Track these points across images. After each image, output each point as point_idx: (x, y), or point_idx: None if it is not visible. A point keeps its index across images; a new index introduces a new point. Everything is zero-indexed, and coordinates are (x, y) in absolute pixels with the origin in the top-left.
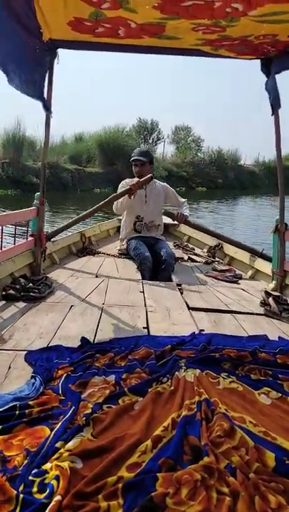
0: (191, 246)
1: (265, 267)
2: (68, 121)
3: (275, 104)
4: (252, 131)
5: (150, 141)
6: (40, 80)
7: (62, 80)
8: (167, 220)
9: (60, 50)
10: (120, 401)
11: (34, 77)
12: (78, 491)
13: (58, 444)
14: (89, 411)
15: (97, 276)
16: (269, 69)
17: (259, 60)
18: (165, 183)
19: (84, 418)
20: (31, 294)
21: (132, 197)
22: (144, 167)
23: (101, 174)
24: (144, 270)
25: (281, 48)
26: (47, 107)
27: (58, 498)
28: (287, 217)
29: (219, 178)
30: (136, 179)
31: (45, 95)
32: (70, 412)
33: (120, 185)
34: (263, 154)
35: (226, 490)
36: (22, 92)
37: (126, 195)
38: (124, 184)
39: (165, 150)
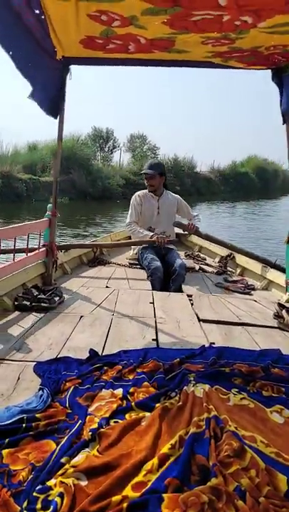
0: (202, 256)
1: (279, 277)
2: (23, 128)
3: (288, 114)
4: (206, 139)
5: (106, 149)
6: (55, 96)
7: (16, 85)
8: (178, 230)
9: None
10: (127, 416)
11: (50, 94)
12: (82, 510)
13: (63, 460)
14: (95, 426)
15: (107, 287)
16: (280, 79)
17: (270, 70)
18: (178, 196)
19: (90, 433)
20: (42, 304)
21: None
22: (154, 180)
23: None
24: (154, 281)
25: None
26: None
27: None
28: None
29: (176, 185)
30: (144, 191)
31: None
32: (77, 426)
33: (133, 200)
34: (218, 161)
35: None
36: (42, 108)
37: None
38: (138, 199)
39: (122, 158)
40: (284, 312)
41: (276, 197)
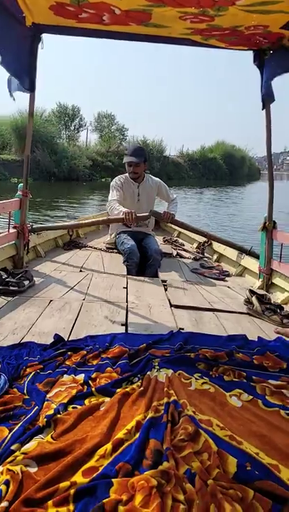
0: (180, 241)
1: (253, 264)
2: None
3: (268, 98)
4: (175, 122)
5: (72, 128)
6: (26, 65)
7: None
8: None
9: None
10: (87, 401)
11: (24, 64)
12: (27, 497)
13: (13, 447)
14: (51, 412)
15: (81, 271)
16: (262, 62)
17: (252, 52)
18: (158, 179)
19: (45, 419)
20: (10, 287)
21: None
22: (139, 167)
23: (18, 162)
24: (130, 265)
25: (274, 39)
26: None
27: (4, 504)
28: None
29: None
30: (124, 176)
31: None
32: (32, 412)
33: (114, 183)
34: (187, 146)
35: (181, 497)
36: (11, 74)
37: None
38: (119, 183)
39: (88, 138)
40: (254, 298)
41: (243, 184)
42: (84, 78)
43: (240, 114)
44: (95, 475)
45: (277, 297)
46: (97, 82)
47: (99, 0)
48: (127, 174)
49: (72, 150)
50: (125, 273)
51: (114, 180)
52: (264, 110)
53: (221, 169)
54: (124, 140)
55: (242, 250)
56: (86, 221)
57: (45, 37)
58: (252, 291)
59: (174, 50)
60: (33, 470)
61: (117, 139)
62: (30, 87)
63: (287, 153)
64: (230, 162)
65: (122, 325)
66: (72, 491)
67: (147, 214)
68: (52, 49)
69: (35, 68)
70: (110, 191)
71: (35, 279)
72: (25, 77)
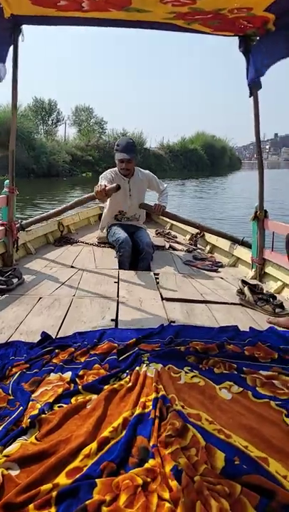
0: (173, 234)
1: (246, 254)
2: None
3: (254, 86)
4: (155, 114)
5: (49, 122)
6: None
7: None
8: None
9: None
10: (73, 400)
11: (3, 57)
12: (7, 502)
13: None
14: (36, 412)
15: (72, 267)
16: (247, 48)
17: (237, 38)
18: (147, 171)
19: (29, 420)
20: None
21: (106, 199)
22: (131, 163)
23: None
24: (123, 256)
25: (258, 24)
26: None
27: None
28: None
29: None
30: (114, 171)
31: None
32: (16, 413)
33: (103, 175)
34: (167, 137)
35: (167, 495)
36: None
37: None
38: (109, 177)
39: (67, 133)
40: (246, 289)
41: (224, 174)
42: (61, 71)
43: (220, 105)
44: (78, 476)
45: (270, 286)
46: (73, 74)
47: None
48: (116, 169)
49: (50, 145)
50: (117, 267)
51: (104, 173)
52: (251, 98)
53: (202, 160)
54: (103, 133)
55: (234, 240)
56: (66, 205)
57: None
58: (244, 282)
59: (154, 40)
60: (14, 473)
61: (96, 132)
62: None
63: (266, 142)
64: (211, 153)
65: (112, 320)
66: (54, 494)
67: (116, 185)
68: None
69: (16, 61)
70: (100, 181)
71: (24, 276)
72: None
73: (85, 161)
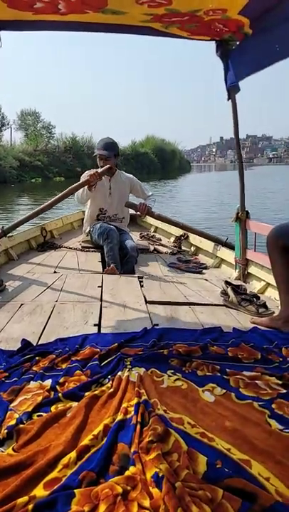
0: (157, 236)
1: (229, 255)
2: None
3: (233, 89)
4: (106, 118)
5: None
6: None
7: None
8: (132, 211)
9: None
10: (53, 408)
11: None
12: None
13: None
14: (13, 422)
15: (55, 272)
16: (225, 53)
17: (214, 43)
18: (131, 175)
19: (5, 431)
20: None
21: (93, 188)
22: (110, 161)
23: None
24: (111, 243)
25: (234, 28)
26: None
27: None
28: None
29: (77, 167)
30: (94, 171)
31: None
32: None
33: (82, 176)
34: (118, 141)
35: (147, 503)
36: None
37: (86, 187)
38: (86, 175)
39: (13, 137)
40: (229, 290)
41: (175, 177)
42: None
43: (169, 108)
44: (56, 487)
45: (253, 287)
46: (18, 77)
47: None
48: (98, 169)
49: None
50: (101, 271)
51: (84, 173)
52: (229, 101)
53: (153, 163)
54: (51, 138)
55: (218, 242)
56: (52, 199)
57: None
58: (227, 283)
59: (104, 41)
60: None
61: (44, 137)
62: None
63: (212, 145)
64: (161, 156)
65: (95, 325)
66: (30, 507)
67: (107, 167)
68: None
69: None
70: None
71: (6, 283)
72: None
73: (33, 166)
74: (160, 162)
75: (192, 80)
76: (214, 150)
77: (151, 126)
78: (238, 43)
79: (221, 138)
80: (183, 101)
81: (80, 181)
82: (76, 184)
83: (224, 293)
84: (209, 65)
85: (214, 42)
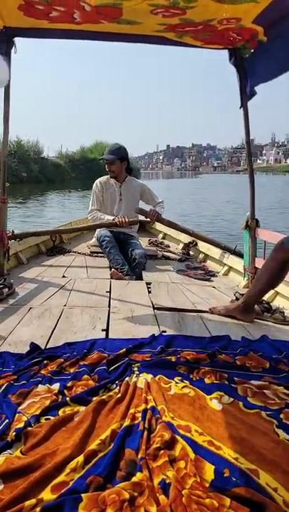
0: (166, 243)
1: (238, 263)
2: None
3: (248, 96)
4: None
5: None
6: None
7: None
8: (142, 217)
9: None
10: (60, 412)
11: None
12: None
13: None
14: (22, 425)
15: (64, 276)
16: (240, 60)
17: (227, 51)
18: (142, 182)
19: (14, 433)
20: None
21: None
22: (114, 165)
23: None
24: (106, 247)
25: (247, 36)
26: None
27: None
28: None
29: (23, 172)
30: (106, 177)
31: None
32: (1, 426)
33: (94, 187)
34: (66, 146)
35: (154, 510)
36: None
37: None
38: (99, 186)
39: None
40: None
41: None
42: None
43: (117, 114)
44: (63, 490)
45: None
46: None
47: None
48: (108, 176)
49: None
50: (109, 277)
51: (94, 183)
52: (241, 108)
53: (103, 170)
54: (116, 143)
55: (227, 249)
56: (74, 227)
57: None
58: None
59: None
60: None
61: None
62: None
63: (160, 153)
64: None
65: (103, 330)
66: (38, 509)
67: (137, 219)
68: None
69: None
70: (91, 197)
71: (15, 286)
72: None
73: None
74: None
75: (139, 86)
76: (161, 158)
77: (98, 132)
78: (252, 50)
79: (168, 146)
80: (132, 108)
81: (110, 222)
82: (105, 222)
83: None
84: (156, 70)
85: (227, 50)
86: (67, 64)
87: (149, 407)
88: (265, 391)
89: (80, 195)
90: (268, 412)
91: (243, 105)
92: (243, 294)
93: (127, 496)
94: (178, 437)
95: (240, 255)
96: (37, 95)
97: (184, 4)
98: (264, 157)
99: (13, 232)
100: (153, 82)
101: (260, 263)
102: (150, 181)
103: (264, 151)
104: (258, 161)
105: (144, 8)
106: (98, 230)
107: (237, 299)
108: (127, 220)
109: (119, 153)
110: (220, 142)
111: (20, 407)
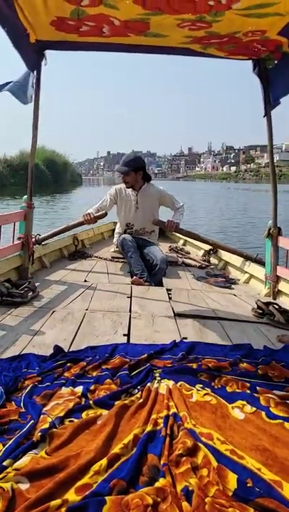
0: (186, 250)
1: (259, 272)
2: None
3: (272, 105)
4: None
5: None
6: (25, 82)
7: None
8: None
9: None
10: (84, 414)
11: (24, 80)
12: None
13: (5, 463)
14: (47, 426)
15: (86, 281)
16: (264, 71)
17: (251, 61)
18: (160, 187)
19: (39, 434)
20: (14, 298)
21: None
22: (128, 176)
23: None
24: (128, 252)
25: (272, 47)
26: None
27: None
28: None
29: None
30: (123, 185)
31: (33, 96)
32: (27, 426)
33: (110, 190)
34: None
35: None
36: (13, 95)
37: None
38: (113, 192)
39: None
40: (271, 308)
41: (68, 190)
42: None
43: (58, 119)
44: (87, 492)
45: (285, 304)
46: None
47: (98, 12)
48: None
49: None
50: (130, 283)
51: (113, 188)
52: (265, 117)
53: (44, 176)
54: (132, 153)
55: (248, 258)
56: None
57: None
58: (266, 303)
59: None
60: (24, 487)
61: None
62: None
63: (100, 159)
64: (53, 168)
65: (125, 335)
66: (63, 510)
67: (104, 212)
68: None
69: (38, 84)
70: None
71: (39, 289)
72: (25, 92)
73: None
74: (52, 174)
75: (81, 90)
76: (102, 164)
77: (40, 136)
78: (276, 61)
79: (108, 152)
80: (70, 113)
81: (78, 220)
82: (73, 223)
83: (261, 312)
84: (101, 76)
85: (251, 61)
86: None
87: (170, 413)
88: (288, 401)
89: (21, 203)
90: None
91: (267, 114)
92: (264, 303)
93: (150, 501)
94: (200, 445)
95: (262, 263)
96: None
97: (210, 18)
98: (202, 165)
99: (37, 236)
100: (95, 88)
101: (282, 271)
102: (93, 188)
103: (202, 159)
104: (197, 169)
105: (171, 22)
106: (120, 234)
107: (258, 307)
108: (92, 216)
109: (133, 165)
110: (159, 150)
111: (45, 408)
